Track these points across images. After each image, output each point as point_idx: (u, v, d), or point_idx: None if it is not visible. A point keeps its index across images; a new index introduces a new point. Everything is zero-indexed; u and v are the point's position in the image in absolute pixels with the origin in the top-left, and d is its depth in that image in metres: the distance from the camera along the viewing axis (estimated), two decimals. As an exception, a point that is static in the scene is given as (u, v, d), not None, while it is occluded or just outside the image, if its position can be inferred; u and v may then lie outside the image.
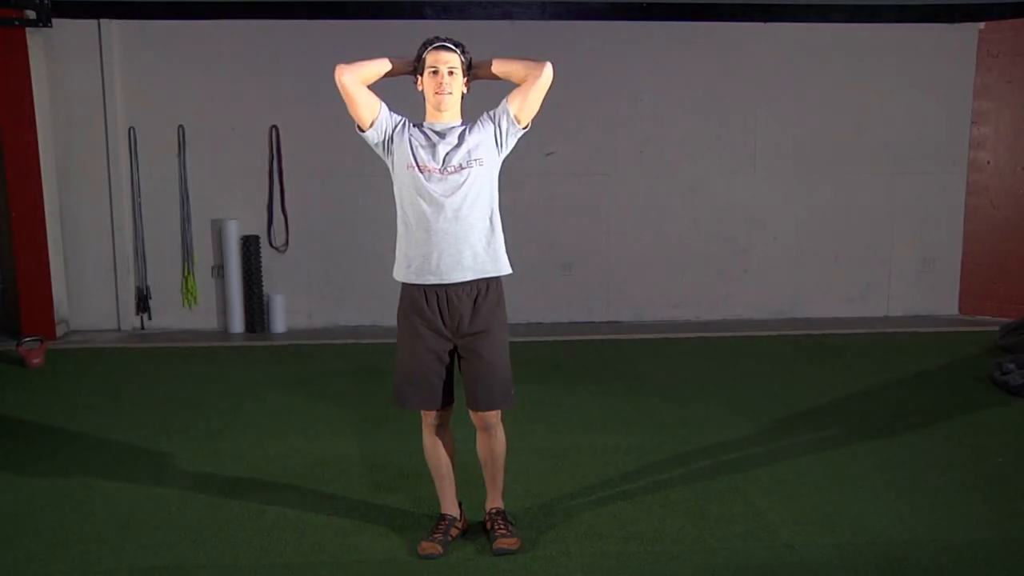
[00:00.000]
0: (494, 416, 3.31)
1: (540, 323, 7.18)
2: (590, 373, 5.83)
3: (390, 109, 3.19)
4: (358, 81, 3.12)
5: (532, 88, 3.14)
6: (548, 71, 3.14)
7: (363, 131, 3.17)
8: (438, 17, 6.77)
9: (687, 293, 7.38)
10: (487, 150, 3.15)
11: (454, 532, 3.38)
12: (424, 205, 3.09)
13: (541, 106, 3.21)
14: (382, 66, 3.17)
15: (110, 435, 4.61)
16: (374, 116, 3.14)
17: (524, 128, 3.21)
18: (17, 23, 6.39)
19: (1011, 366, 5.30)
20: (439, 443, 3.35)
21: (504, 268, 3.22)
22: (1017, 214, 7.24)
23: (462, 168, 3.10)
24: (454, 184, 3.08)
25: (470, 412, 3.32)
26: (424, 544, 3.29)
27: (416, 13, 6.78)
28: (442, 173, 3.08)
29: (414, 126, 3.18)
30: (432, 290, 3.15)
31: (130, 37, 6.80)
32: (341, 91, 3.13)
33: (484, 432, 3.34)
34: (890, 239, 7.46)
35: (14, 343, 6.17)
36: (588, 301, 7.33)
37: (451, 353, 3.24)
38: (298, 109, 6.93)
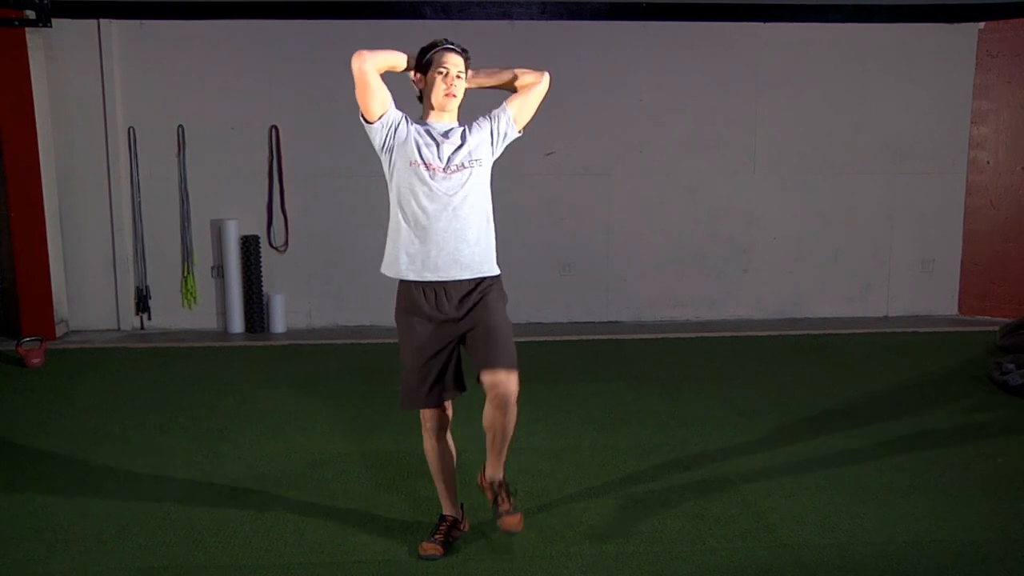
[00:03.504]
0: (514, 390, 3.10)
1: (540, 323, 7.18)
2: (590, 373, 5.83)
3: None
4: (375, 70, 3.08)
5: (531, 92, 3.25)
6: (547, 80, 3.28)
7: (370, 123, 3.14)
8: (438, 17, 6.77)
9: (687, 293, 7.38)
10: (485, 151, 3.20)
11: (455, 534, 3.38)
12: (427, 203, 3.10)
13: (534, 115, 3.29)
14: (398, 59, 3.17)
15: (110, 435, 4.61)
16: (384, 110, 3.13)
17: (519, 133, 3.29)
18: (17, 23, 6.39)
19: (1011, 366, 5.30)
20: (439, 446, 3.34)
21: (495, 269, 3.23)
22: (1017, 214, 7.24)
23: (464, 167, 3.13)
24: (457, 183, 3.12)
25: (488, 386, 3.09)
26: (425, 545, 3.30)
27: (416, 13, 6.78)
28: (446, 171, 3.11)
29: (415, 124, 3.18)
30: (431, 287, 3.15)
31: (130, 37, 6.80)
32: (358, 78, 3.07)
33: (500, 409, 3.11)
34: (890, 239, 7.46)
35: (14, 343, 6.17)
36: (588, 301, 7.33)
37: (455, 343, 3.21)
38: (298, 109, 6.93)
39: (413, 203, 3.12)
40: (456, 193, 3.11)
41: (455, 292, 3.15)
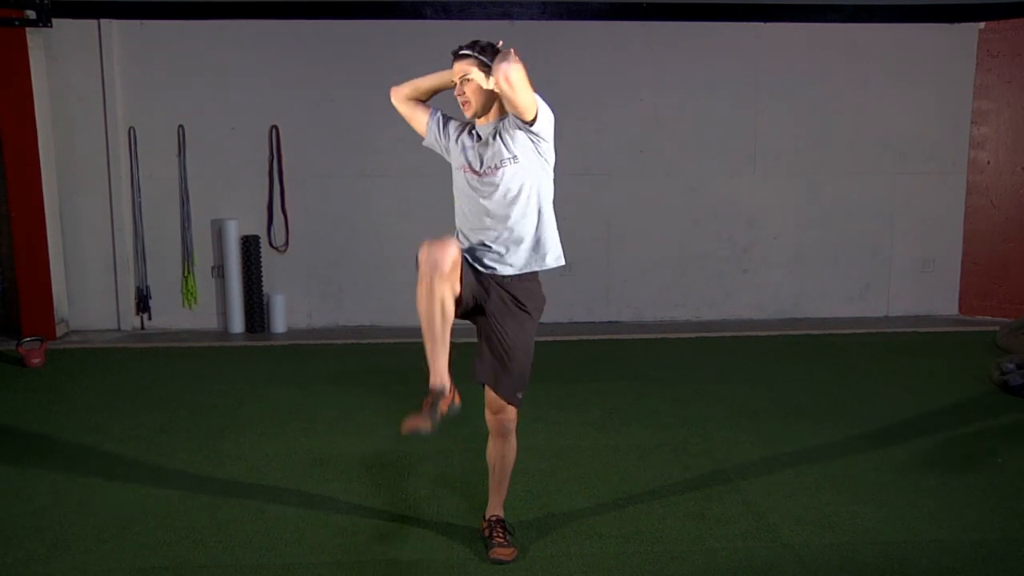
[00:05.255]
0: (512, 420, 3.28)
1: (540, 323, 7.14)
2: (590, 373, 5.82)
3: (445, 115, 3.29)
4: (403, 99, 3.30)
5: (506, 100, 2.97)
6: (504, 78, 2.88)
7: (424, 141, 3.35)
8: (438, 17, 6.76)
9: (687, 293, 7.38)
10: (521, 146, 3.07)
11: (443, 408, 2.94)
12: (476, 203, 3.14)
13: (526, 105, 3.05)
14: (432, 81, 3.28)
15: (110, 435, 4.61)
16: (424, 130, 3.31)
17: (530, 125, 3.02)
18: (17, 23, 6.39)
19: (1011, 366, 5.30)
20: (436, 294, 2.82)
21: (553, 262, 3.23)
22: (1017, 214, 7.24)
23: (496, 168, 3.09)
24: (491, 184, 3.10)
25: (487, 413, 3.27)
26: (409, 420, 2.89)
27: (416, 13, 6.77)
28: (484, 174, 3.12)
29: (468, 127, 3.23)
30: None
31: (130, 37, 6.80)
32: (397, 109, 3.32)
33: (499, 437, 3.30)
34: (890, 239, 7.46)
35: (14, 343, 6.17)
36: (588, 301, 7.32)
37: (477, 307, 3.15)
38: (298, 109, 6.92)
39: (464, 204, 3.20)
40: (492, 194, 3.09)
41: (501, 280, 3.18)
